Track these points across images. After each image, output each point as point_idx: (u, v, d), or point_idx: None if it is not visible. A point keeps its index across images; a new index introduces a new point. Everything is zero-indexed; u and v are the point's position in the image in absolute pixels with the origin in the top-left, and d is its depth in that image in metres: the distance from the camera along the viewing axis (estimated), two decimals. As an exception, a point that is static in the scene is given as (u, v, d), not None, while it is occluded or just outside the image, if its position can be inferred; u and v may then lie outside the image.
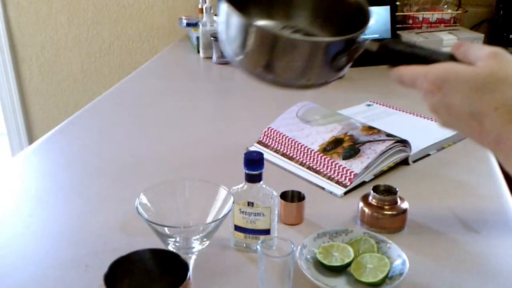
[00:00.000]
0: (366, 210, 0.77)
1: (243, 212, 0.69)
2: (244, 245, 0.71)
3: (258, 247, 0.61)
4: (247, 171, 0.69)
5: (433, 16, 1.72)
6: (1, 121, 2.56)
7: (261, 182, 0.69)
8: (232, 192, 0.66)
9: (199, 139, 1.10)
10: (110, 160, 1.00)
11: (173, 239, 0.60)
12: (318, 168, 0.92)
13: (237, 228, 0.71)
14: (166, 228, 0.59)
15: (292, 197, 0.80)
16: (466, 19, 1.78)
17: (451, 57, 0.53)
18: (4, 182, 0.93)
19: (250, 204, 0.68)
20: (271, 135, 1.03)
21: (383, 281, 0.64)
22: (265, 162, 0.99)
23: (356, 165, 0.89)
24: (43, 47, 2.32)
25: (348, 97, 1.33)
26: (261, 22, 0.53)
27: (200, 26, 1.64)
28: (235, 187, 0.69)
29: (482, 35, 1.63)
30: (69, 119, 1.20)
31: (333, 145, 0.95)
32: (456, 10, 1.74)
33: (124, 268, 0.50)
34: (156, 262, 0.52)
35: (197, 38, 1.70)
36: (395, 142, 0.92)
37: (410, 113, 1.17)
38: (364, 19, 0.59)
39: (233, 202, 0.63)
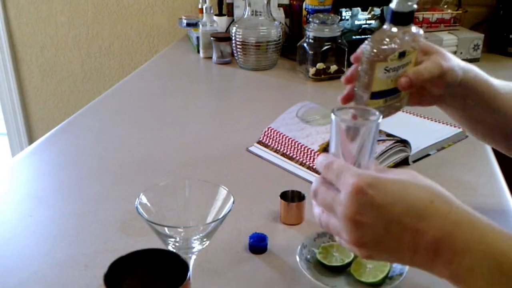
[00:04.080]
0: (366, 210, 0.77)
1: (389, 70, 0.62)
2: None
3: (333, 115, 0.50)
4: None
5: (433, 16, 1.72)
6: (1, 121, 2.56)
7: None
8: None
9: (199, 139, 1.10)
10: (110, 160, 1.00)
11: (173, 239, 0.60)
12: (318, 168, 0.92)
13: (376, 95, 0.63)
14: (166, 228, 0.59)
15: (292, 197, 0.80)
16: (466, 19, 1.78)
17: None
18: (4, 182, 0.93)
19: (402, 55, 0.61)
20: (271, 135, 1.03)
21: (383, 281, 0.64)
22: (265, 162, 0.99)
23: (356, 165, 0.89)
24: (43, 47, 2.32)
25: (348, 97, 1.33)
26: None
27: (200, 26, 1.64)
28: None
29: (482, 35, 1.63)
30: (69, 119, 1.20)
31: (333, 145, 0.95)
32: (456, 10, 1.74)
33: (124, 268, 0.50)
34: (156, 262, 0.52)
35: (197, 38, 1.70)
36: (395, 142, 0.92)
37: (410, 113, 1.17)
38: None
39: (233, 202, 0.62)
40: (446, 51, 0.67)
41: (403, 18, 0.60)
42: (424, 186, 0.46)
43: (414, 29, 0.62)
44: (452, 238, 0.44)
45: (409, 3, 0.60)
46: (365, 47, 0.61)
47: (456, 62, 0.67)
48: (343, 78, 0.66)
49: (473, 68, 0.69)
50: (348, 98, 0.66)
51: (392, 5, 0.60)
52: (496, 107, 0.69)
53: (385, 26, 0.62)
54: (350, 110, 0.55)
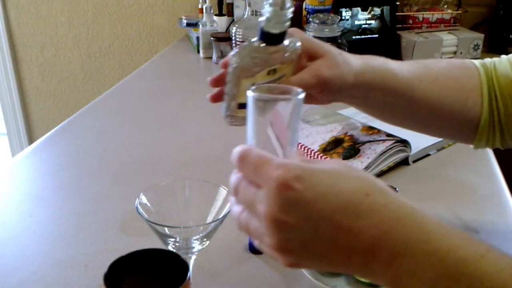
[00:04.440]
0: (366, 210, 0.77)
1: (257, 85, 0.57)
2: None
3: (249, 92, 0.43)
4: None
5: (433, 16, 1.72)
6: (1, 121, 2.56)
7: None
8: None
9: (199, 139, 1.10)
10: (110, 160, 1.00)
11: (173, 239, 0.60)
12: (318, 168, 0.92)
13: (244, 106, 0.53)
14: (166, 228, 0.59)
15: (292, 197, 0.79)
16: (466, 19, 1.78)
17: None
18: (4, 182, 0.93)
19: (272, 71, 0.56)
20: (271, 135, 1.03)
21: (383, 281, 0.64)
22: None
23: (356, 165, 0.89)
24: (43, 47, 2.32)
25: (348, 97, 1.32)
26: None
27: (200, 26, 1.64)
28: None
29: (482, 35, 1.63)
30: (69, 119, 1.20)
31: (333, 145, 0.95)
32: (456, 10, 1.74)
33: (124, 268, 0.50)
34: (156, 262, 0.52)
35: (197, 38, 1.70)
36: (395, 142, 0.92)
37: (410, 113, 1.17)
38: None
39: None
40: (338, 52, 0.60)
41: (273, 39, 0.53)
42: (358, 177, 0.40)
43: (288, 42, 0.55)
44: (391, 236, 0.38)
45: (280, 24, 0.53)
46: (231, 58, 0.54)
47: (347, 67, 0.60)
48: (209, 80, 0.61)
49: (375, 67, 0.63)
50: (216, 98, 0.62)
51: (262, 23, 0.53)
52: (408, 100, 0.65)
53: (254, 40, 0.54)
54: (269, 86, 0.48)
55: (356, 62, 0.62)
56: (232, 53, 0.55)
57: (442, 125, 0.71)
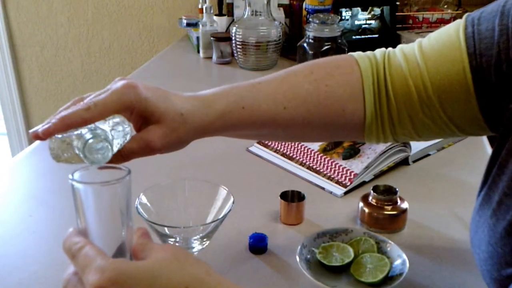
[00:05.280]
0: (366, 210, 0.77)
1: None
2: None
3: (74, 183, 0.46)
4: None
5: (433, 16, 1.72)
6: (1, 121, 2.56)
7: None
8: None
9: (199, 139, 1.10)
10: (110, 160, 1.00)
11: (173, 239, 0.60)
12: (318, 168, 0.93)
13: None
14: (166, 228, 0.59)
15: (292, 197, 0.80)
16: (466, 19, 1.78)
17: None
18: (4, 182, 0.93)
19: None
20: (271, 135, 1.03)
21: (383, 281, 0.64)
22: (265, 162, 0.99)
23: (356, 165, 0.89)
24: (43, 47, 2.32)
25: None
26: None
27: (200, 26, 1.64)
28: None
29: (482, 35, 1.63)
30: (69, 119, 1.20)
31: (333, 145, 0.95)
32: (456, 10, 1.74)
33: (124, 268, 0.50)
34: (156, 262, 0.52)
35: (197, 38, 1.70)
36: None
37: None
38: None
39: (233, 202, 0.63)
40: (177, 113, 0.57)
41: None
42: (178, 270, 0.41)
43: (111, 127, 0.50)
44: None
45: (99, 161, 0.48)
46: (49, 144, 0.51)
47: (186, 129, 0.58)
48: (31, 133, 0.53)
49: (225, 115, 0.60)
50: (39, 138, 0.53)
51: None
52: (275, 129, 0.62)
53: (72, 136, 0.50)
54: (90, 172, 0.48)
55: (201, 117, 0.59)
56: (51, 140, 0.51)
57: (323, 136, 0.71)
